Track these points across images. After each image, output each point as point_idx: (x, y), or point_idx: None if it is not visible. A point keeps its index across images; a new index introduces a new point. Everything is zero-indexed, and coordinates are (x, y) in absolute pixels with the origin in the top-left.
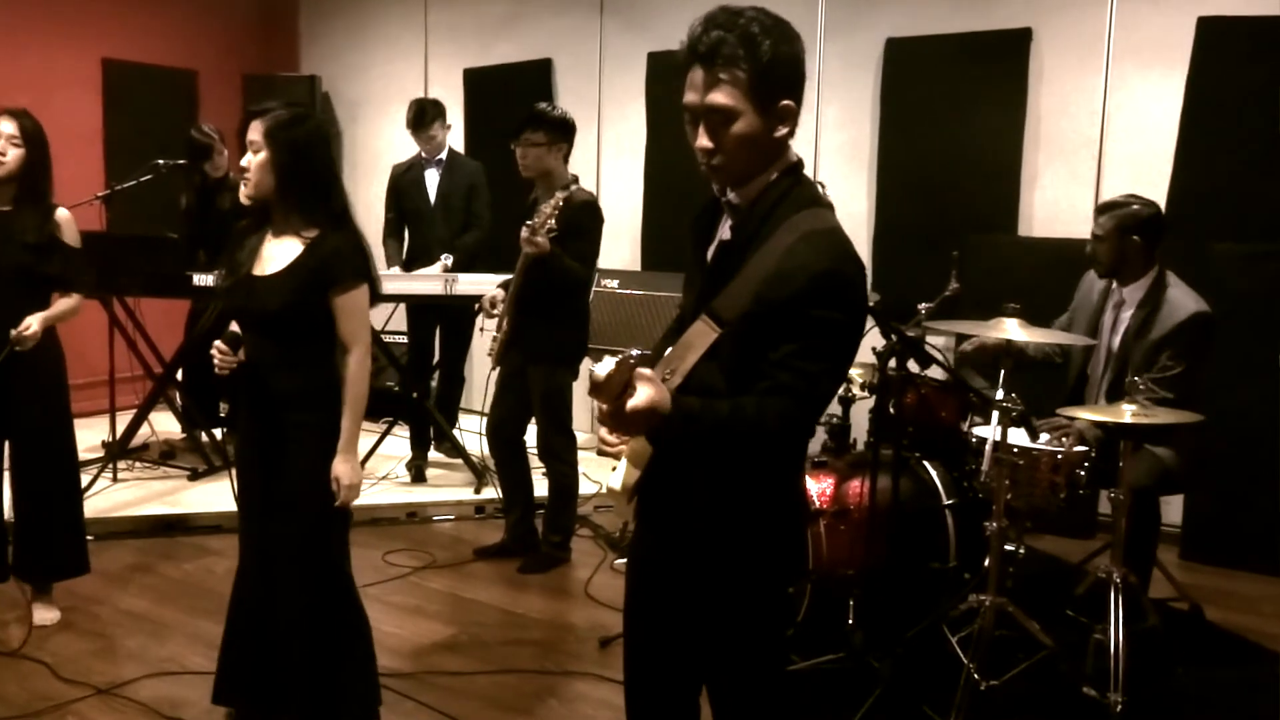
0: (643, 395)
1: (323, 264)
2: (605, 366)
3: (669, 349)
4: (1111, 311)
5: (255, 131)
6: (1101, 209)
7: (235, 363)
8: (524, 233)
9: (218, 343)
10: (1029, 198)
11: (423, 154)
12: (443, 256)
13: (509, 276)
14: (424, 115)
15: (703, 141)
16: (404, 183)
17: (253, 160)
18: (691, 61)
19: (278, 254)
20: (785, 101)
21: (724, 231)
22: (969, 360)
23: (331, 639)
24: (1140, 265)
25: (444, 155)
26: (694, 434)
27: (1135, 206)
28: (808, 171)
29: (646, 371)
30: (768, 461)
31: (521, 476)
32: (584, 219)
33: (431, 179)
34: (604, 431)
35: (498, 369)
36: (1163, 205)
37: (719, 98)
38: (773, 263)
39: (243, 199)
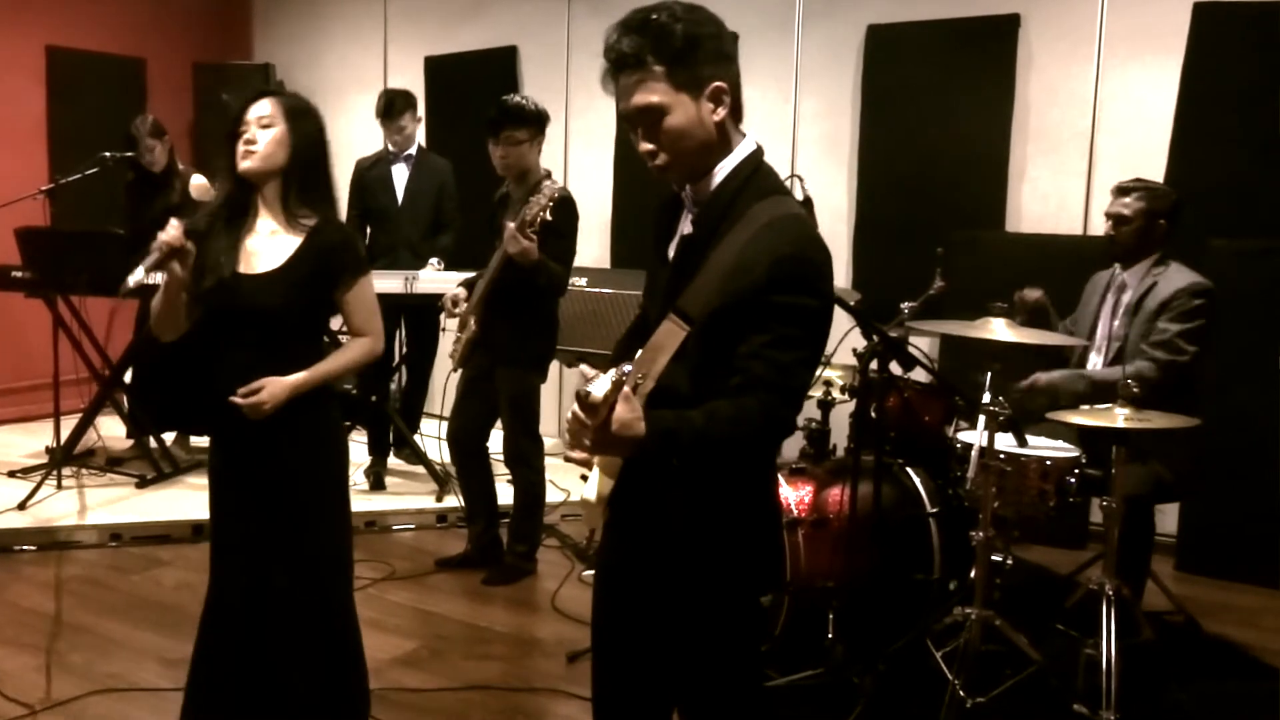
0: (618, 419)
1: (324, 260)
2: (601, 387)
3: (639, 352)
4: (1112, 296)
5: (269, 107)
6: (1125, 190)
7: (180, 243)
8: (509, 230)
9: (174, 222)
10: (1017, 192)
11: (389, 148)
12: (432, 261)
13: (470, 275)
14: (393, 106)
15: (643, 145)
16: (369, 179)
17: (262, 134)
18: (611, 71)
19: (267, 248)
20: (715, 83)
21: (685, 226)
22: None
23: (330, 659)
24: (1152, 250)
25: (413, 151)
26: (673, 452)
27: (1162, 190)
28: (787, 165)
29: (625, 390)
30: (740, 464)
31: (485, 484)
32: (562, 218)
33: (399, 176)
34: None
35: (458, 372)
36: None
37: (642, 98)
38: (736, 254)
39: (242, 169)
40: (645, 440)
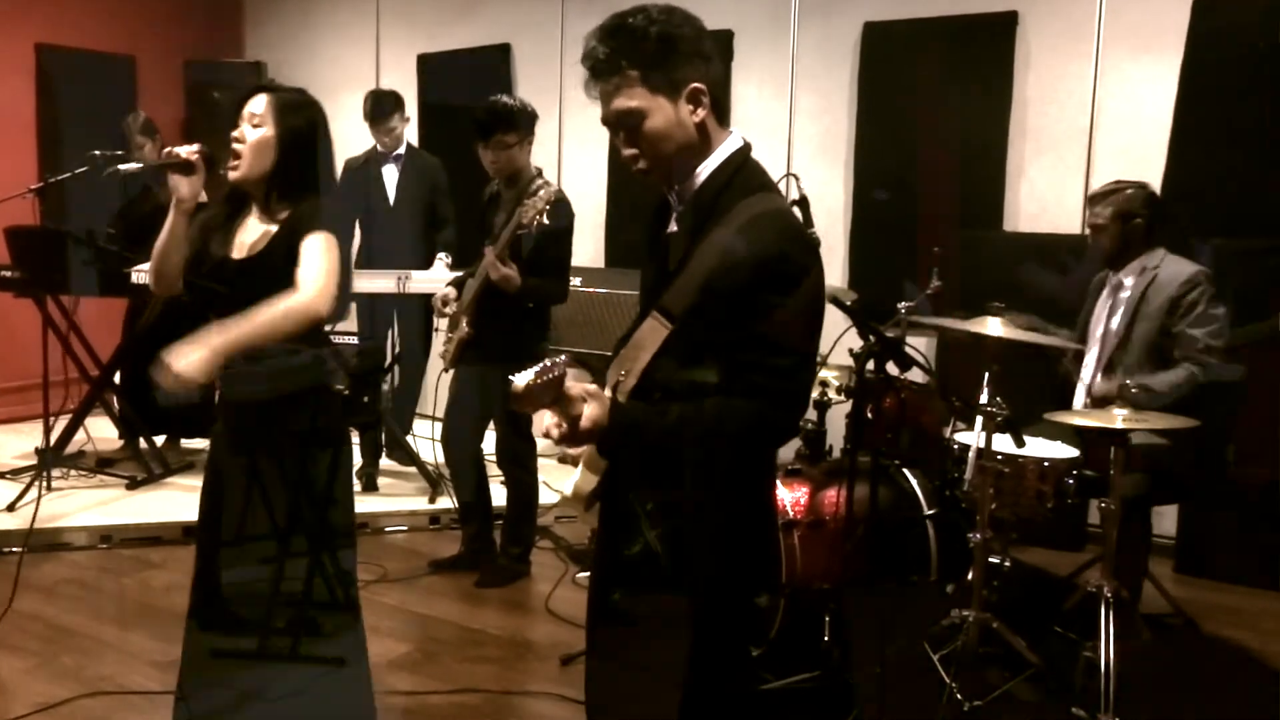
0: (589, 417)
1: (293, 236)
2: (524, 377)
3: (624, 349)
4: (1109, 296)
5: (262, 104)
6: (1095, 199)
7: (191, 157)
8: (487, 256)
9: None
10: (1015, 191)
11: (379, 147)
12: (440, 255)
13: (459, 275)
14: (381, 107)
15: (625, 150)
16: (359, 179)
17: (249, 135)
18: (590, 78)
19: (251, 239)
20: (692, 84)
21: (671, 225)
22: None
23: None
24: (1140, 247)
25: (401, 150)
26: (640, 443)
27: (1129, 190)
28: (783, 163)
29: (585, 385)
30: (735, 464)
31: (479, 486)
32: (558, 221)
33: (390, 176)
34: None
35: (450, 372)
36: None
37: (621, 102)
38: (718, 253)
39: (230, 178)
40: (609, 431)
